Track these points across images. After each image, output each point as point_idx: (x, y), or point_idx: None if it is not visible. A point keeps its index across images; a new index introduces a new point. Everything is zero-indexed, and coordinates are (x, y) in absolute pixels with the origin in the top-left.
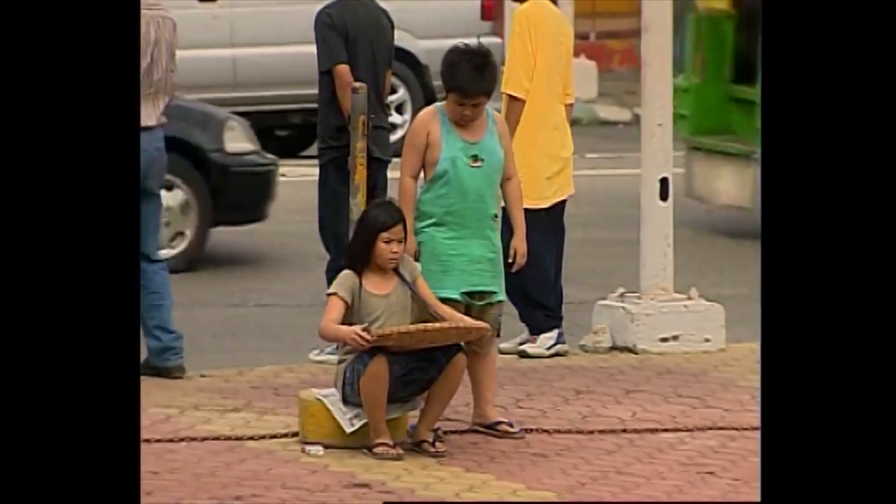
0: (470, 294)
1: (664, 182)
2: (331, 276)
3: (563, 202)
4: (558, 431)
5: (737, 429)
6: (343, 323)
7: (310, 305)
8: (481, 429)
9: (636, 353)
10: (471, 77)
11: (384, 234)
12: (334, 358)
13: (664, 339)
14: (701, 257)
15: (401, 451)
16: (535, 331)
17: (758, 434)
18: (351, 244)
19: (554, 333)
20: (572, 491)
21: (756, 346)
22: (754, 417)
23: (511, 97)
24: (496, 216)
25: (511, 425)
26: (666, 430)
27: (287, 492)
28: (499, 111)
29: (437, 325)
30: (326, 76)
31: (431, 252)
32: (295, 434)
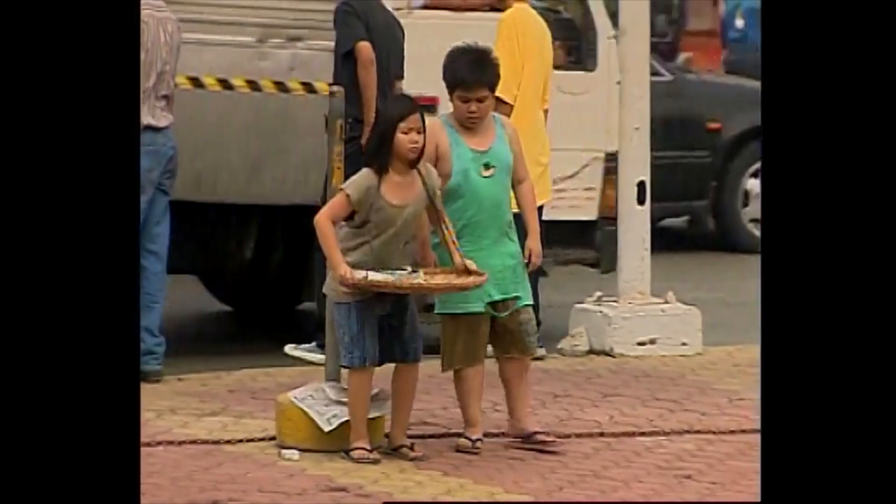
0: (493, 305)
1: (641, 186)
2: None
3: (541, 207)
4: (539, 433)
5: (714, 432)
6: (349, 219)
7: (290, 308)
8: (518, 441)
9: (613, 357)
10: (471, 69)
11: (402, 125)
12: (310, 356)
13: (641, 343)
14: (678, 261)
15: (378, 456)
16: None
17: (735, 437)
18: (369, 143)
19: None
20: (550, 495)
21: (732, 349)
22: (731, 421)
23: (499, 101)
24: (511, 222)
25: (548, 435)
26: (643, 434)
27: (264, 495)
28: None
29: (433, 283)
30: (347, 60)
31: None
32: (272, 438)
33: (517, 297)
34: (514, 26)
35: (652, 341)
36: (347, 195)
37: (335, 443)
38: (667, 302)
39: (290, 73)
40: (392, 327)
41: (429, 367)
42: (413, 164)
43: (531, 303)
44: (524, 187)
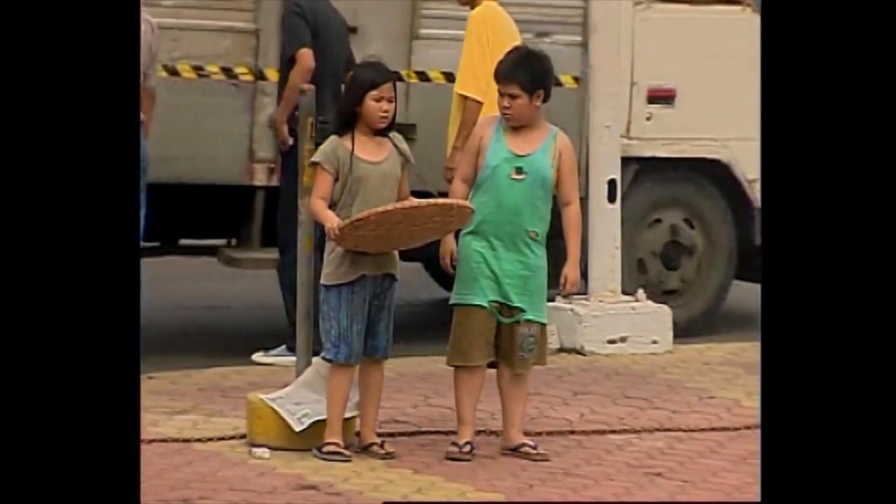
0: (499, 307)
1: (612, 184)
2: (285, 277)
3: None
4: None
5: (684, 430)
6: (334, 190)
7: (260, 308)
8: (508, 452)
9: (584, 355)
10: (507, 66)
11: (374, 92)
12: (281, 359)
13: (612, 341)
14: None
15: (350, 454)
16: None
17: (705, 435)
18: (340, 107)
19: None
20: (521, 493)
21: (702, 347)
22: (701, 419)
23: (467, 98)
24: (537, 233)
25: (534, 447)
26: (614, 432)
27: (235, 494)
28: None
29: (414, 202)
30: (292, 63)
31: (465, 258)
32: (243, 436)
33: (521, 310)
34: (485, 22)
35: (622, 339)
36: (317, 163)
37: (306, 441)
38: (637, 300)
39: None
40: (369, 320)
41: (399, 364)
42: (382, 132)
43: (538, 320)
44: (569, 210)
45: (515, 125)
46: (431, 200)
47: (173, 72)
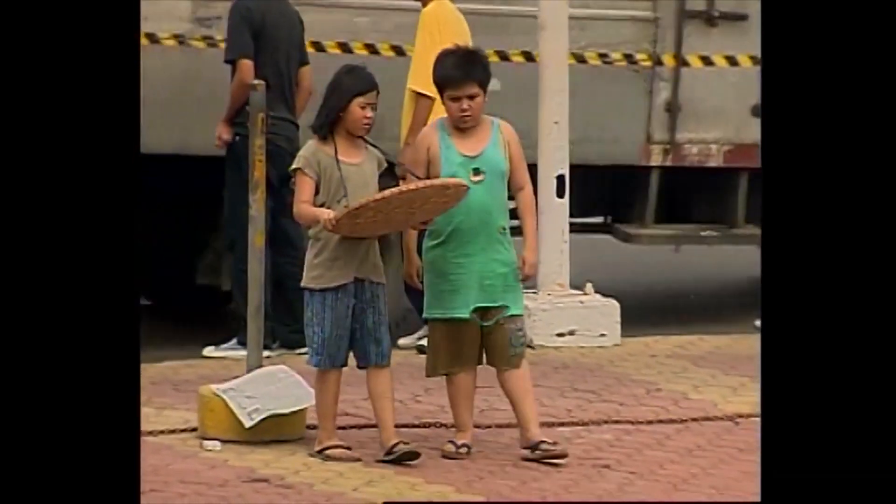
0: (481, 313)
1: (560, 179)
2: (234, 272)
3: None
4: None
5: (632, 422)
6: (315, 196)
7: (212, 302)
8: (528, 453)
9: (533, 349)
10: (458, 67)
11: (360, 99)
12: (233, 353)
13: (560, 335)
14: (597, 253)
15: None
16: None
17: (652, 427)
18: (322, 110)
19: None
20: (470, 485)
21: (650, 340)
22: (649, 411)
23: (420, 94)
24: (504, 228)
25: (553, 444)
26: (562, 424)
27: (186, 486)
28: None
29: (411, 184)
30: (233, 66)
31: (440, 271)
32: (194, 429)
33: (505, 307)
34: (436, 19)
35: (571, 333)
36: (298, 168)
37: (257, 434)
38: (586, 294)
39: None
40: (365, 327)
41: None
42: (360, 137)
43: (519, 313)
44: (523, 195)
45: (472, 125)
46: (428, 182)
47: (581, 59)
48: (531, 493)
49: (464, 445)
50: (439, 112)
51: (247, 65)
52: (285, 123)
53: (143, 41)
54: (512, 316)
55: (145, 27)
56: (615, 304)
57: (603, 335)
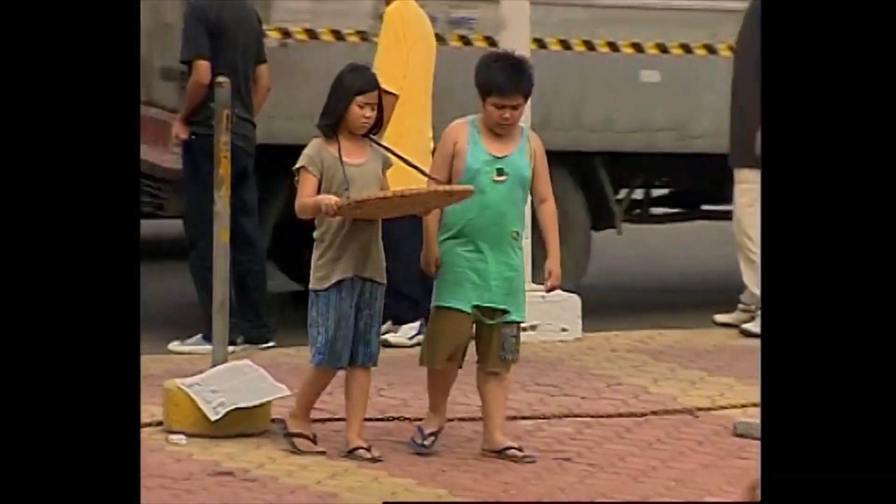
0: (482, 310)
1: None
2: (196, 270)
3: None
4: (419, 420)
5: (592, 416)
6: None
7: (179, 297)
8: (491, 454)
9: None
10: (508, 76)
11: (359, 98)
12: (197, 348)
13: (522, 329)
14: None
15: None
16: (398, 321)
17: (613, 421)
18: (325, 108)
19: (417, 324)
20: (433, 477)
21: (610, 335)
22: (609, 405)
23: (385, 92)
24: (517, 233)
25: (520, 449)
26: (524, 418)
27: (152, 480)
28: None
29: (415, 189)
30: (189, 66)
31: (448, 263)
32: (159, 423)
33: (506, 311)
34: (401, 18)
35: (532, 327)
36: (302, 167)
37: (222, 428)
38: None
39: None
40: (361, 329)
41: None
42: (362, 135)
43: (519, 320)
44: (545, 207)
45: (509, 133)
46: (431, 188)
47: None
48: (494, 486)
49: (431, 434)
50: (404, 109)
51: (202, 65)
52: (241, 122)
53: (329, 37)
54: (510, 322)
55: (331, 24)
56: (576, 298)
57: (564, 330)
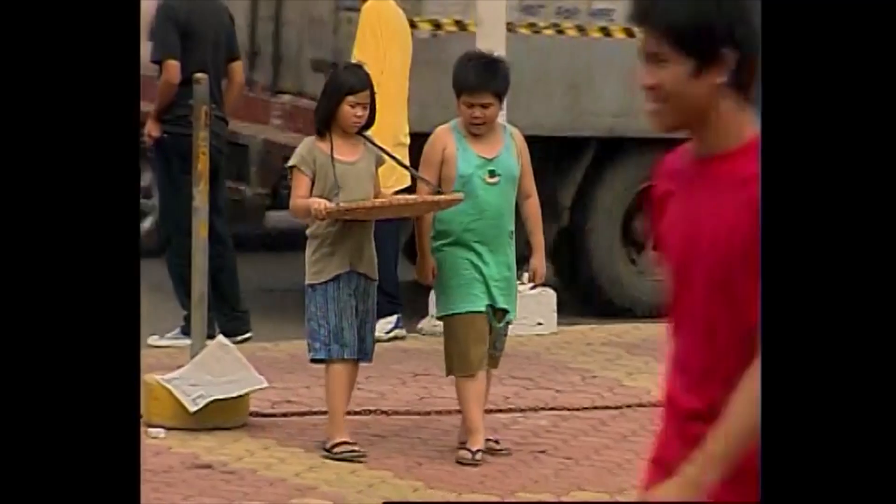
0: (493, 313)
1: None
2: (173, 266)
3: (403, 190)
4: (396, 413)
5: (568, 409)
6: (312, 191)
7: (157, 290)
8: (464, 447)
9: None
10: (478, 75)
11: (350, 98)
12: (177, 342)
13: None
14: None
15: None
16: (376, 314)
17: (588, 414)
18: (317, 108)
19: (393, 318)
20: (409, 471)
21: (585, 329)
22: (584, 398)
23: None
24: (512, 233)
25: (497, 442)
26: (500, 411)
27: None
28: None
29: (406, 198)
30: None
31: (452, 269)
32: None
33: (506, 311)
34: (377, 15)
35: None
36: (294, 166)
37: (201, 421)
38: (522, 283)
39: None
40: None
41: (292, 346)
42: (359, 134)
43: (514, 318)
44: (531, 203)
45: (483, 133)
46: (421, 197)
47: None
48: (470, 479)
49: (479, 451)
50: (382, 103)
51: (172, 65)
52: (214, 119)
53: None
54: (508, 323)
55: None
56: (552, 293)
57: (540, 324)
